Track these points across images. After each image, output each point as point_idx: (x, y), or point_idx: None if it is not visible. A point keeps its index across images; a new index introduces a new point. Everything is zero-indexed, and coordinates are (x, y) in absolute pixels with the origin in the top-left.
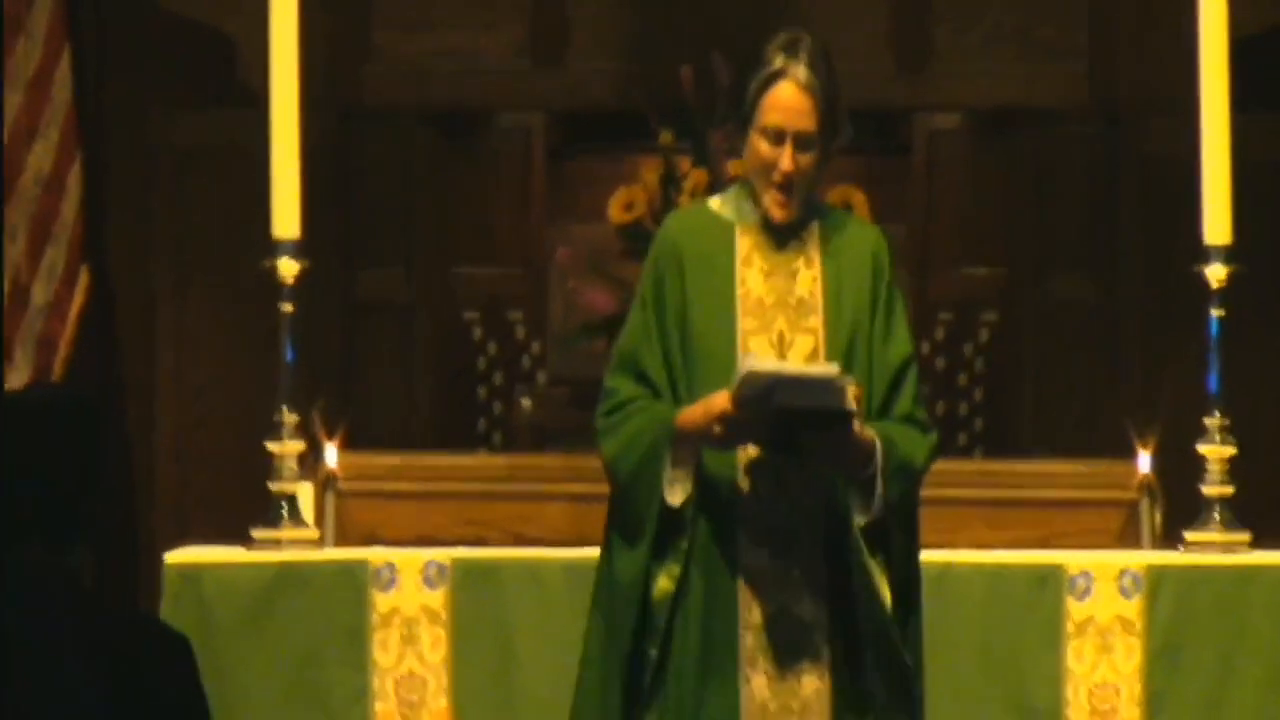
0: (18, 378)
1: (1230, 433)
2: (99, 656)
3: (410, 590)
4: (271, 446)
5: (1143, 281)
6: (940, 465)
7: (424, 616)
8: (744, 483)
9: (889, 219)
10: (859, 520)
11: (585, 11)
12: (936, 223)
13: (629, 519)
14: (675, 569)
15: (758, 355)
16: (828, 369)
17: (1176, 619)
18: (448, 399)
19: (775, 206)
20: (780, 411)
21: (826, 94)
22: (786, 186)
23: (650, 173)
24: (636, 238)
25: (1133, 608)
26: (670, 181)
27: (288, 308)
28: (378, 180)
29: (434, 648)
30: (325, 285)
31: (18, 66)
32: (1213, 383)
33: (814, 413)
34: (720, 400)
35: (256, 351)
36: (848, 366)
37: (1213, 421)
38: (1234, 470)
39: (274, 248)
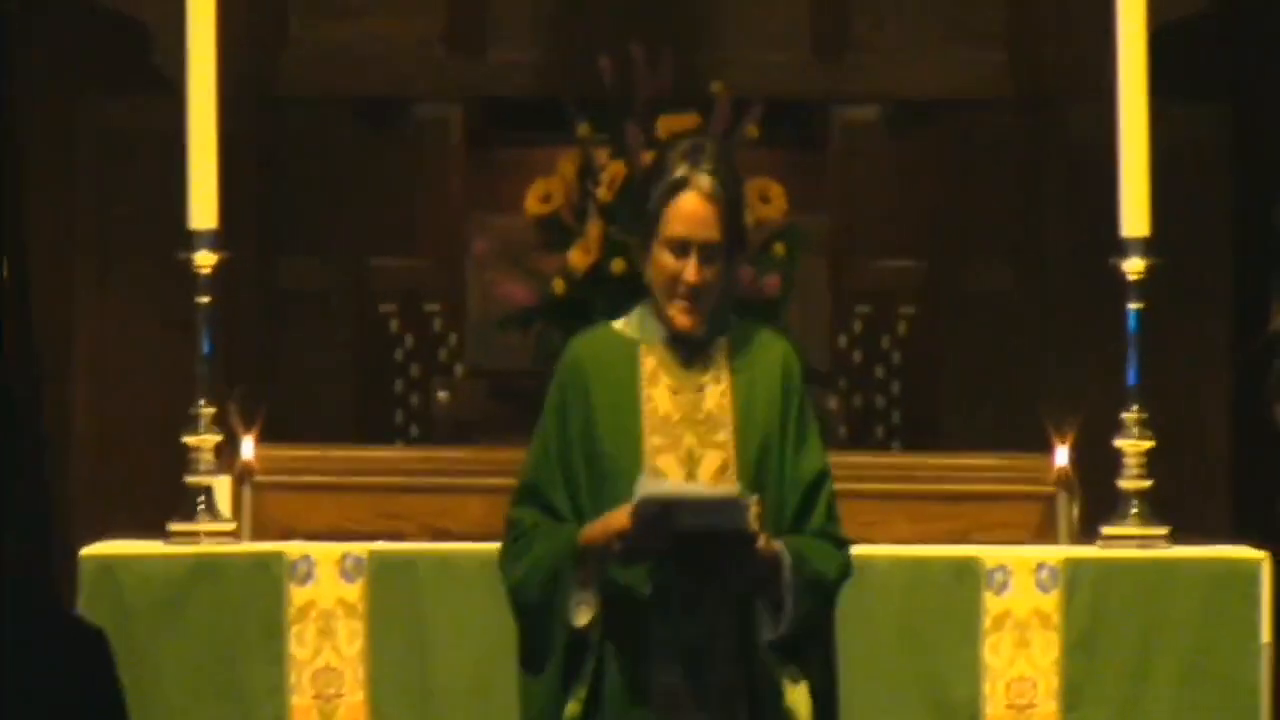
0: None
1: (1148, 426)
2: (13, 650)
3: (327, 583)
4: (188, 439)
5: (1064, 273)
6: (857, 459)
7: (340, 610)
8: (651, 600)
9: (806, 210)
10: (768, 635)
11: (504, 0)
12: (855, 215)
13: (535, 646)
14: (582, 692)
15: (654, 476)
16: (726, 489)
17: (1093, 613)
18: (365, 391)
19: (681, 316)
20: (683, 534)
21: (731, 202)
22: (692, 297)
23: (568, 164)
24: (553, 230)
25: (1050, 601)
26: (588, 173)
27: (205, 299)
28: (296, 169)
29: (350, 641)
30: (244, 275)
31: None
32: (1131, 376)
33: (715, 534)
34: (620, 518)
35: (175, 341)
36: (758, 481)
37: (1130, 415)
38: (1152, 464)
39: (191, 238)
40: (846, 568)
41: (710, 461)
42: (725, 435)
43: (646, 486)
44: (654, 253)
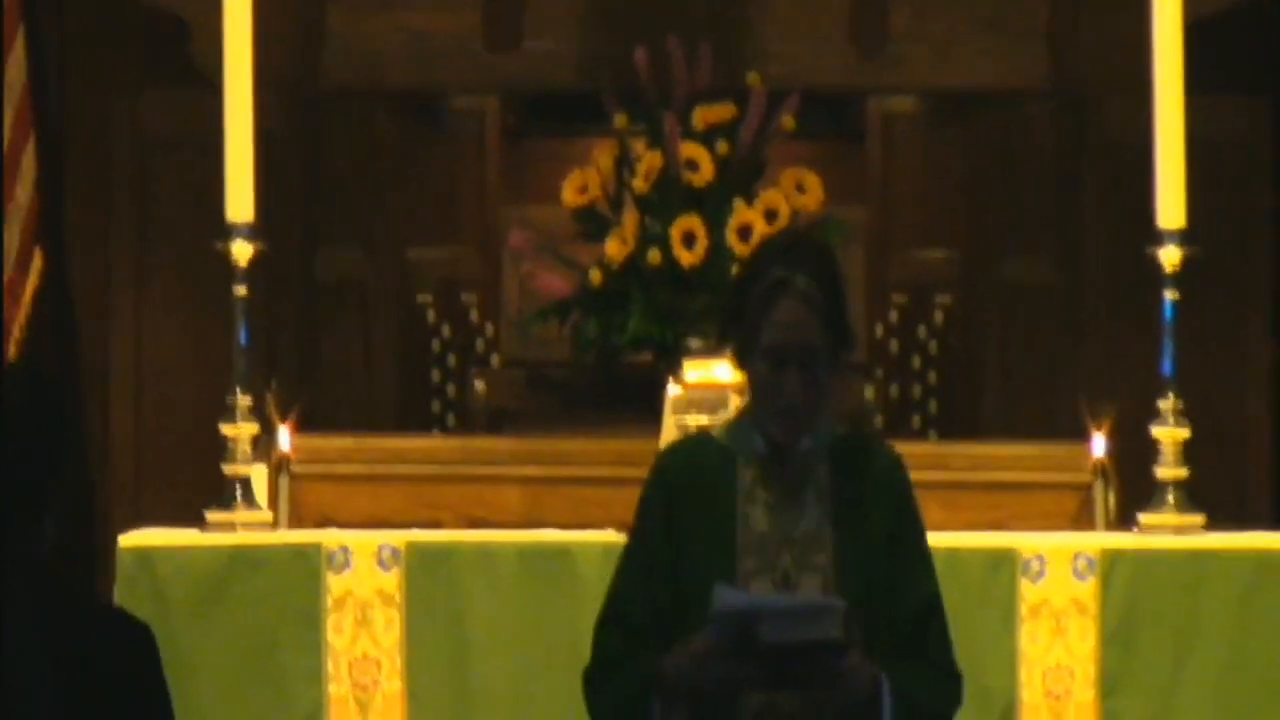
0: None
1: (1184, 415)
2: (61, 645)
3: (364, 573)
4: (225, 429)
5: (1102, 264)
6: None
7: (378, 599)
8: None
9: (845, 201)
10: None
11: None
12: (893, 205)
13: None
14: None
15: (730, 588)
16: (813, 595)
17: (1130, 601)
18: (402, 381)
19: (780, 429)
20: (769, 648)
21: (833, 305)
22: (793, 410)
23: (604, 155)
24: (590, 221)
25: (1087, 590)
26: (625, 164)
27: (242, 291)
28: (335, 162)
29: (387, 630)
30: (283, 267)
31: None
32: (1167, 366)
33: (806, 645)
34: (701, 640)
35: (214, 334)
36: (862, 608)
37: (1166, 404)
38: (1188, 453)
39: (229, 231)
40: (956, 701)
41: (807, 585)
42: (825, 557)
43: (724, 598)
44: (751, 361)
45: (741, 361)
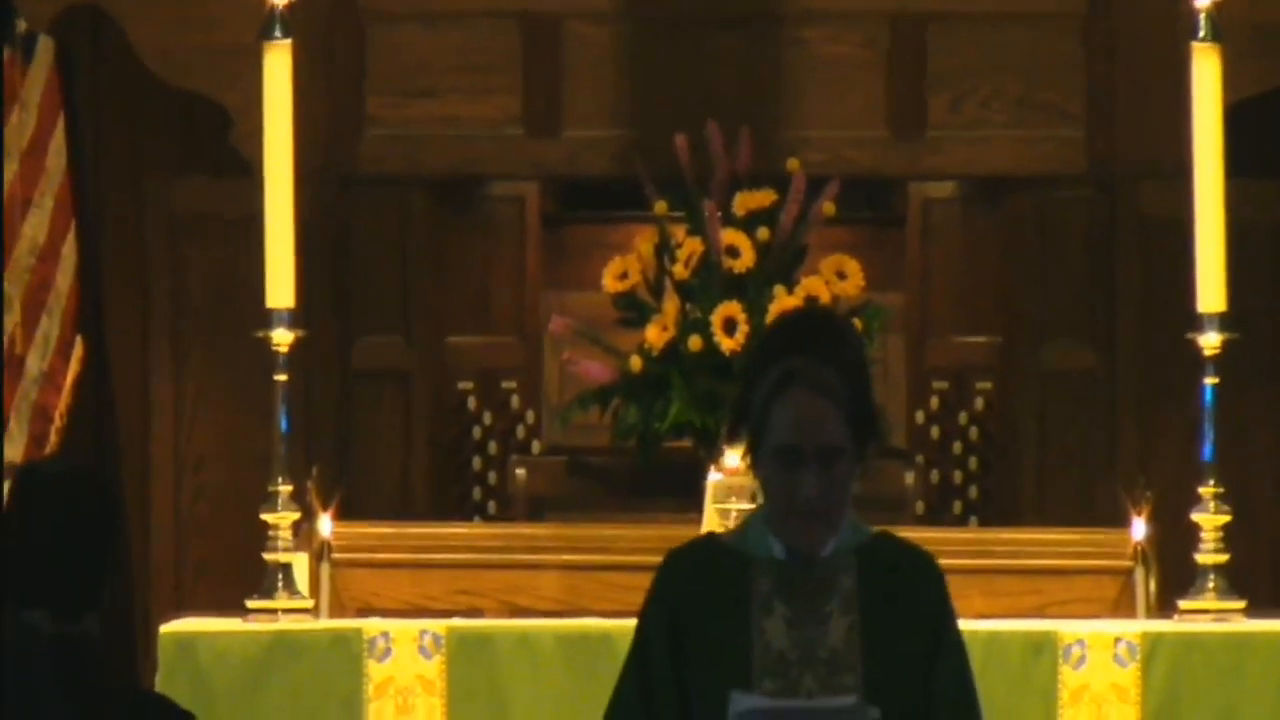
0: (14, 448)
1: (1224, 501)
2: None
3: (405, 660)
4: (266, 516)
5: (1140, 348)
6: (935, 534)
7: (419, 686)
8: None
9: (884, 287)
10: None
11: (579, 80)
12: (932, 291)
13: None
14: None
15: (748, 694)
16: (841, 700)
17: (1171, 687)
18: (442, 468)
19: (799, 533)
20: None
21: (853, 391)
22: (812, 513)
23: (645, 242)
24: (630, 307)
25: (1128, 676)
26: (665, 250)
27: (282, 377)
28: (374, 249)
29: (429, 717)
30: (321, 354)
31: (13, 136)
32: (1206, 451)
33: None
34: None
35: (253, 421)
36: None
37: (1206, 489)
38: (1228, 538)
39: (269, 317)
40: None
41: None
42: (853, 678)
43: (741, 703)
44: (764, 460)
45: (753, 462)
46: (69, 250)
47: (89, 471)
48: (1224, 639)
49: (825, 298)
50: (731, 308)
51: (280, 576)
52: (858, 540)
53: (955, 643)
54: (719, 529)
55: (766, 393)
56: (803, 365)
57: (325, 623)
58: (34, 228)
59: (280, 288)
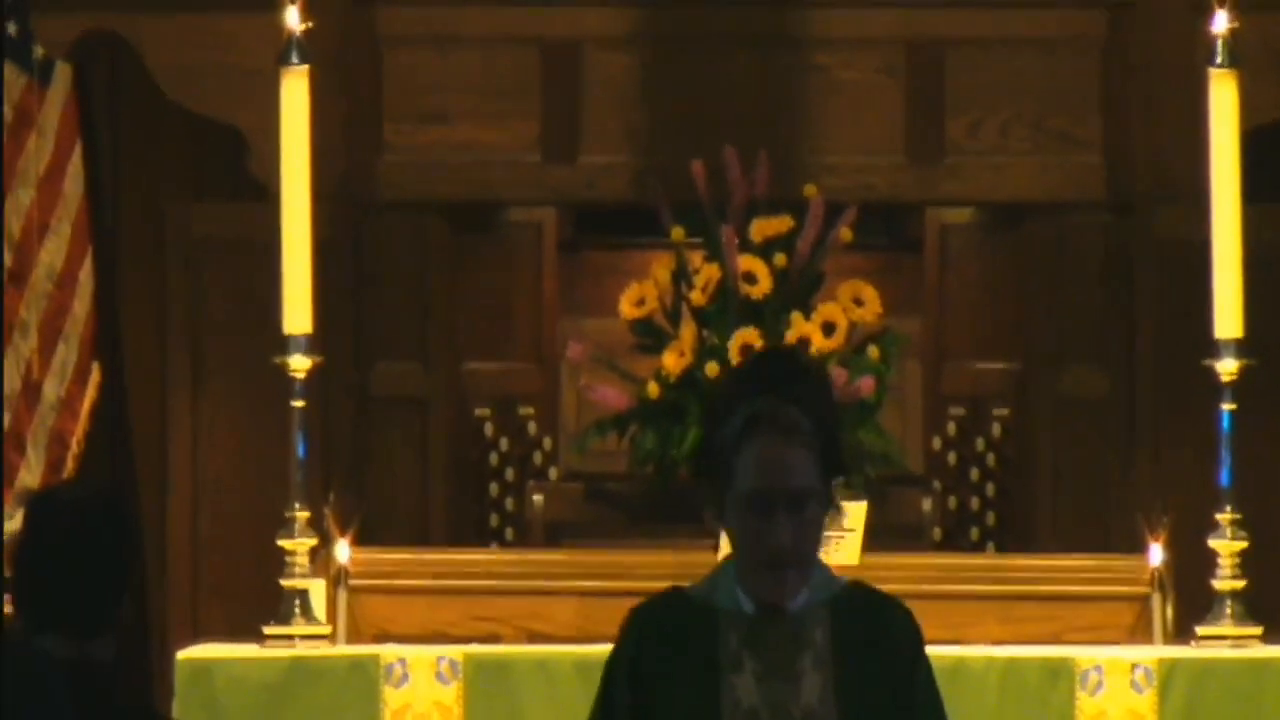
0: (30, 474)
1: (1241, 527)
2: None
3: (422, 686)
4: (283, 542)
5: (1157, 374)
6: (951, 560)
7: (436, 712)
8: None
9: (901, 313)
10: None
11: (597, 106)
12: (949, 317)
13: None
14: None
15: None
16: None
17: (1188, 713)
18: (460, 494)
19: (770, 590)
20: None
21: (821, 428)
22: (780, 563)
23: (662, 268)
24: (647, 333)
25: (1145, 702)
26: (682, 277)
27: (299, 403)
28: (390, 274)
29: None
30: (338, 379)
31: (30, 162)
32: (1224, 476)
33: None
34: None
35: (270, 446)
36: None
37: (1224, 516)
38: (1245, 564)
39: (286, 343)
40: None
41: None
42: None
43: None
44: (730, 508)
45: (718, 512)
46: (86, 276)
47: (105, 496)
48: (1241, 665)
49: (843, 324)
50: (749, 334)
51: (297, 602)
52: (830, 591)
53: (932, 698)
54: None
55: (731, 438)
56: (768, 407)
57: (342, 649)
58: (51, 254)
59: (297, 313)
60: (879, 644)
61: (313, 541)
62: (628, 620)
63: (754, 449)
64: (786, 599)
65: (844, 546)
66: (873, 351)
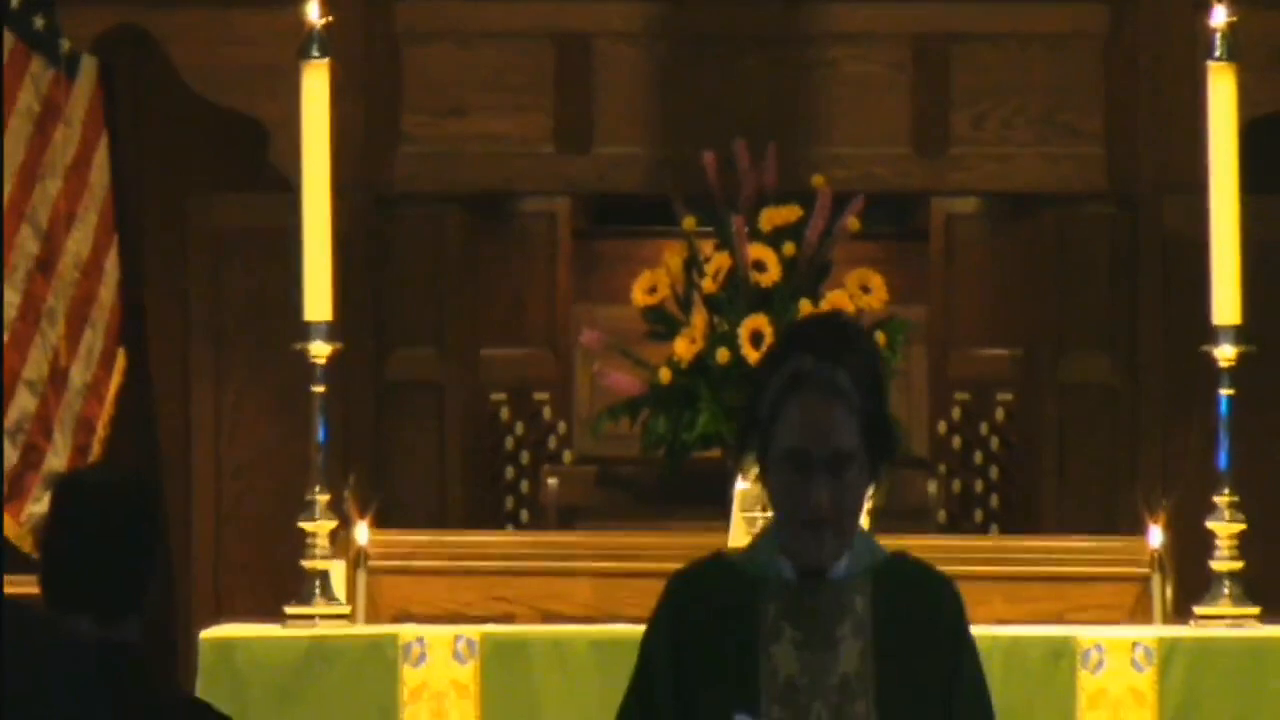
0: (58, 458)
1: (1239, 509)
2: None
3: (440, 666)
4: (304, 525)
5: (1159, 361)
6: (956, 542)
7: (453, 691)
8: None
9: (907, 301)
10: None
11: (610, 98)
12: (955, 304)
13: None
14: None
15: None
16: None
17: (1187, 690)
18: (476, 478)
19: (808, 549)
20: None
21: (865, 395)
22: (823, 524)
23: (674, 256)
24: (659, 320)
25: (1145, 680)
26: (693, 265)
27: (320, 389)
28: (409, 263)
29: None
30: (358, 366)
31: (57, 154)
32: (1222, 460)
33: None
34: None
35: (291, 430)
36: None
37: (1222, 498)
38: (1243, 546)
39: (306, 330)
40: None
41: None
42: (866, 706)
43: None
44: (772, 468)
45: (761, 470)
46: (111, 264)
47: (131, 479)
48: (1239, 644)
49: (850, 311)
50: (758, 321)
51: (318, 583)
52: (872, 560)
53: (974, 673)
54: (745, 537)
55: (775, 395)
56: (813, 367)
57: (361, 629)
58: (78, 243)
59: (318, 301)
60: (921, 615)
61: (333, 523)
62: (669, 585)
63: (796, 407)
64: (825, 561)
65: None
66: (880, 337)
